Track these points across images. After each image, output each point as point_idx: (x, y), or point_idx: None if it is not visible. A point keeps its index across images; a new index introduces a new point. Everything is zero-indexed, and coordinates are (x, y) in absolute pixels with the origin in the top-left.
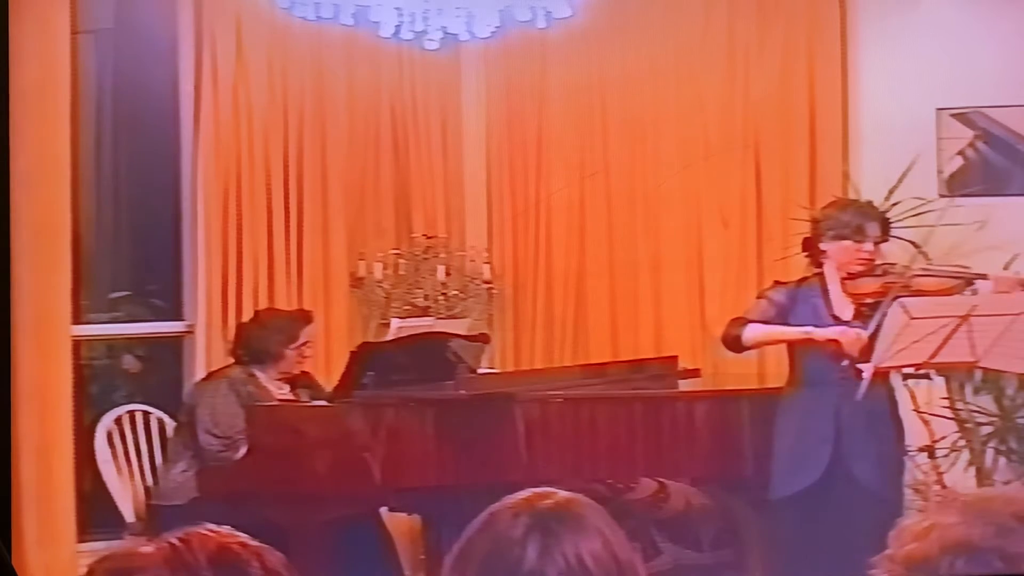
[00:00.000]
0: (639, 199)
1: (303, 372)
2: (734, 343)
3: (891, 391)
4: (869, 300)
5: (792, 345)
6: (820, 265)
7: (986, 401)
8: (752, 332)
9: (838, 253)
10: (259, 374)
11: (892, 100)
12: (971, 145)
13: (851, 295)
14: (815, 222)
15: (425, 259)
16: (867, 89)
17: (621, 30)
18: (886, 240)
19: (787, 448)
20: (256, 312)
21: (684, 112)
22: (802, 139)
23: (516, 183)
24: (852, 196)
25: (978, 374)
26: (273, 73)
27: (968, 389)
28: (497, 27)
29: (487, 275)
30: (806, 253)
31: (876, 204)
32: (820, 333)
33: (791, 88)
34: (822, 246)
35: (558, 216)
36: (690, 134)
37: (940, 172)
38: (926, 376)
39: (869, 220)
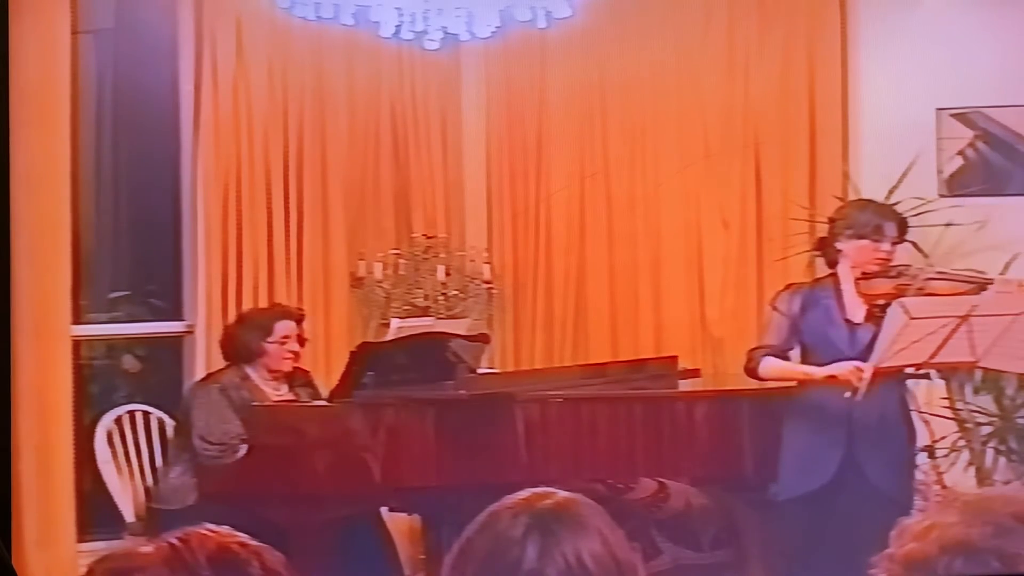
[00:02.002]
0: (639, 200)
1: (301, 371)
2: (752, 374)
3: (902, 393)
4: (881, 301)
5: (803, 348)
6: (834, 266)
7: (986, 401)
8: (766, 367)
9: (855, 252)
10: (252, 374)
11: (892, 100)
12: (971, 145)
13: (864, 295)
14: (832, 221)
15: (425, 259)
16: (867, 89)
17: (621, 30)
18: (903, 241)
19: (797, 450)
20: (238, 313)
21: (684, 112)
22: (802, 139)
23: (516, 183)
24: (852, 196)
25: (978, 374)
26: (273, 73)
27: (968, 389)
28: (497, 27)
29: (487, 275)
30: (820, 253)
31: None
32: (818, 372)
33: (791, 88)
34: (838, 245)
35: (558, 216)
36: (690, 134)
37: (940, 172)
38: (926, 376)
39: (888, 220)
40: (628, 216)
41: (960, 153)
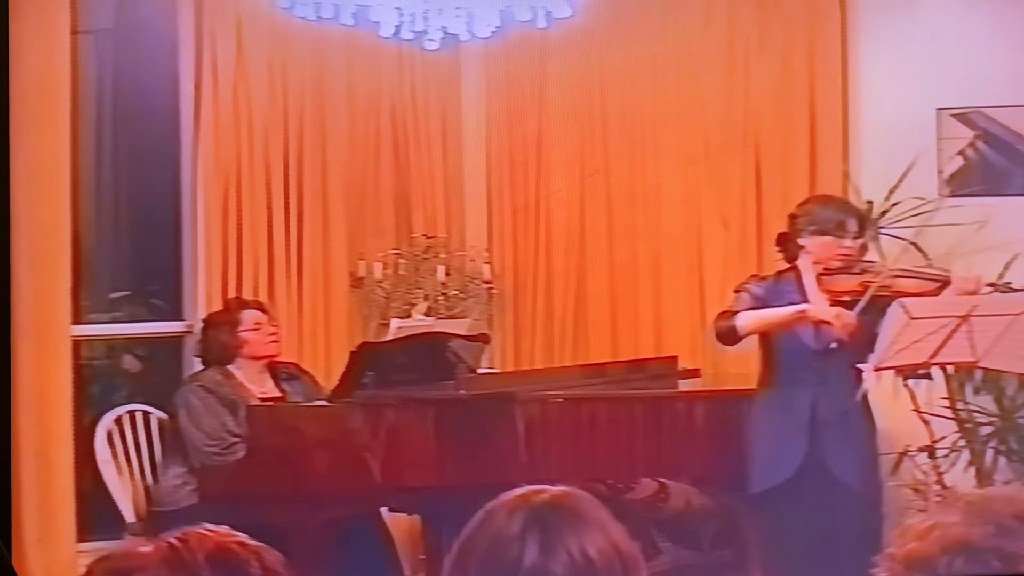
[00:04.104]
0: (639, 198)
1: (285, 364)
2: (728, 335)
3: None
4: (846, 298)
5: (765, 344)
6: (793, 260)
7: (986, 401)
8: (745, 319)
9: (817, 248)
10: (236, 373)
11: (892, 100)
12: (971, 145)
13: (827, 291)
14: (793, 217)
15: (425, 259)
16: (867, 89)
17: (621, 30)
18: (863, 236)
19: (762, 444)
20: (203, 320)
21: (684, 112)
22: (802, 139)
23: (516, 182)
24: (852, 196)
25: (978, 374)
26: (273, 73)
27: (968, 389)
28: (497, 27)
29: (487, 275)
30: (780, 248)
31: (872, 204)
32: (815, 312)
33: (791, 87)
34: (801, 241)
35: (558, 215)
36: (690, 134)
37: (940, 172)
38: (927, 376)
39: (849, 216)
40: (628, 215)
41: (960, 153)
